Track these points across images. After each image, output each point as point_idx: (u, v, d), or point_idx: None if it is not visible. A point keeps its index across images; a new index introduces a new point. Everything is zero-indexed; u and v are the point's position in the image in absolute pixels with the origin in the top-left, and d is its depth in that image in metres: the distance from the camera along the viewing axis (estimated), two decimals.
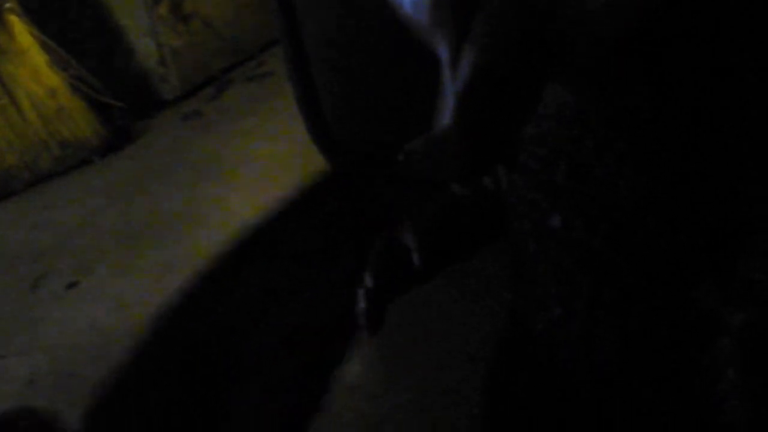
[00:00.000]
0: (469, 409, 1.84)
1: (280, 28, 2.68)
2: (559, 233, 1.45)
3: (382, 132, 2.97)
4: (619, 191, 1.41)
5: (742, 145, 1.42)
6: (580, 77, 1.45)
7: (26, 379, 2.82)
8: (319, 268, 1.66)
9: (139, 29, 4.43)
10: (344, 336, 1.64)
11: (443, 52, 1.41)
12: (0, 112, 4.02)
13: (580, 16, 1.29)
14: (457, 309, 2.06)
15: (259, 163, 3.81)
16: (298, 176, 3.61)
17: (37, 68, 4.08)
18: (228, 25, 4.67)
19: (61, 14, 4.30)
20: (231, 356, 1.56)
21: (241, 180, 3.72)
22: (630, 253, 1.42)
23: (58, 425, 1.48)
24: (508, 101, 1.42)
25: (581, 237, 1.44)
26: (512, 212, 1.53)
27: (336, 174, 3.07)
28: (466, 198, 1.60)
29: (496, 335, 1.72)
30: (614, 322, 1.45)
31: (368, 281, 1.57)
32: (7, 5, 3.96)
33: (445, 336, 2.19)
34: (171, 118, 4.45)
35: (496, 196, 1.58)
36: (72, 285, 3.27)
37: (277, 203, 3.47)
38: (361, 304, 1.58)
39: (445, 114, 1.43)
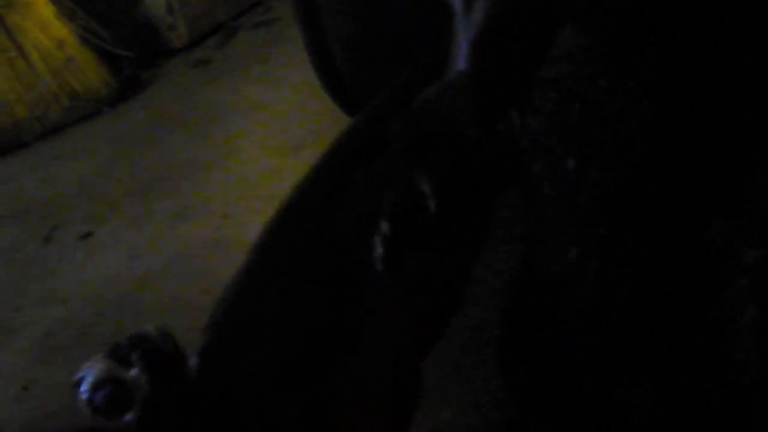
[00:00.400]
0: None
1: None
2: (574, 174, 1.44)
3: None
4: (633, 129, 1.40)
5: (754, 85, 1.41)
6: (592, 21, 1.44)
7: (44, 331, 2.84)
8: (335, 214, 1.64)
9: None
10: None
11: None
12: (8, 64, 4.01)
13: None
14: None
15: (269, 110, 3.80)
16: (308, 122, 3.60)
17: (44, 20, 4.07)
18: None
19: None
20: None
21: (252, 127, 3.72)
22: (645, 191, 1.42)
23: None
24: (521, 46, 1.41)
25: (596, 177, 1.43)
26: (526, 156, 1.52)
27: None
28: (480, 144, 1.59)
29: (512, 281, 1.71)
30: (631, 261, 1.44)
31: (384, 228, 1.56)
32: None
33: None
34: (179, 66, 4.44)
35: (510, 141, 1.57)
36: (85, 236, 3.28)
37: (288, 149, 3.47)
38: (379, 251, 1.57)
39: (459, 60, 1.43)
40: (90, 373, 1.46)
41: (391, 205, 1.57)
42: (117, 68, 4.26)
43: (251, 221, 3.13)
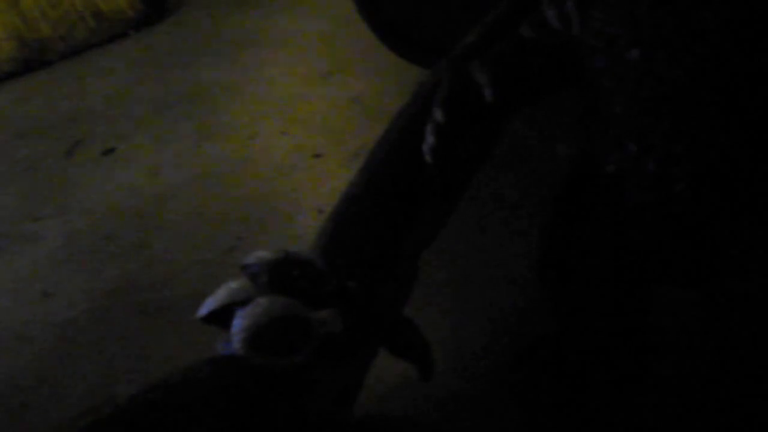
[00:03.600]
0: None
1: None
2: (639, 66, 1.40)
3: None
4: (704, 22, 1.35)
5: None
6: None
7: (63, 240, 2.81)
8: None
9: None
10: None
11: None
12: None
13: None
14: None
15: (299, 39, 3.74)
16: (339, 52, 3.56)
17: None
18: None
19: None
20: None
21: (281, 54, 3.66)
22: (713, 85, 1.37)
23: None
24: None
25: (662, 69, 1.38)
26: (587, 49, 1.47)
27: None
28: (534, 39, 1.56)
29: (563, 178, 1.67)
30: (692, 157, 1.40)
31: (438, 116, 1.51)
32: None
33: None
34: None
35: (564, 37, 1.52)
36: (108, 151, 3.24)
37: (317, 76, 3.43)
38: (429, 140, 1.53)
39: None
40: (250, 308, 1.33)
41: (445, 93, 1.52)
42: None
43: (277, 143, 3.09)
